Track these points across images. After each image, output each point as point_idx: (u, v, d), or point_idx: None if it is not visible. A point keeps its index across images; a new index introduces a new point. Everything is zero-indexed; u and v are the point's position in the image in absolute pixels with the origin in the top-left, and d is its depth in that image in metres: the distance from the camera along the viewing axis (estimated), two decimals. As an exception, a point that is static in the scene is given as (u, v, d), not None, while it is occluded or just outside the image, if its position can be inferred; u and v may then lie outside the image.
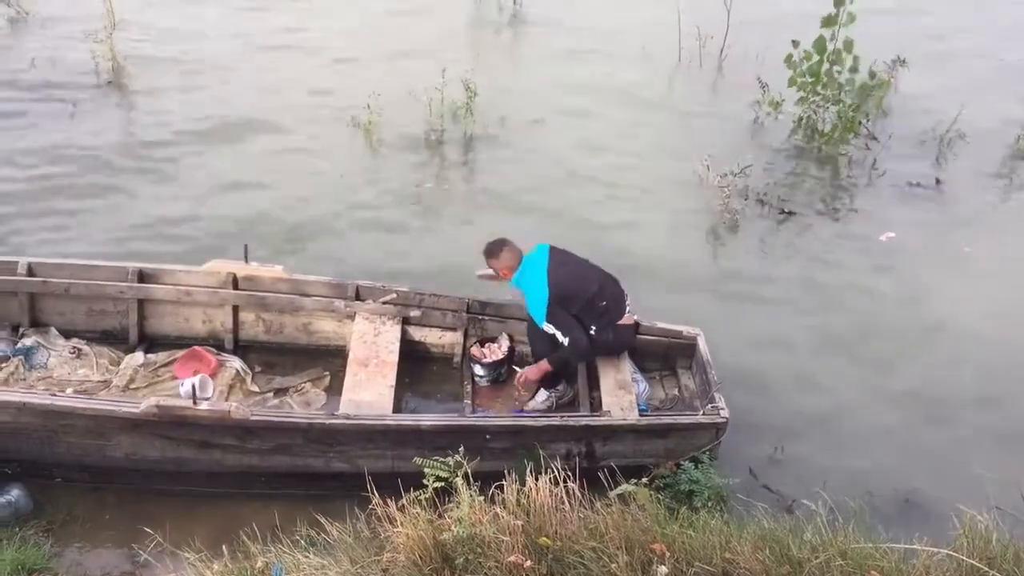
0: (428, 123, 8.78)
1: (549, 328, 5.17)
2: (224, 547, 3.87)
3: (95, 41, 9.34)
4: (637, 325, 5.49)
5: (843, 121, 8.89)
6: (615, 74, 10.26)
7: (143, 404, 4.52)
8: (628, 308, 5.36)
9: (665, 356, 5.75)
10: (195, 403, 4.56)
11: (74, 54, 9.55)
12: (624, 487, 4.09)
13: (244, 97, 9.12)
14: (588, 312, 5.21)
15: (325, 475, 4.88)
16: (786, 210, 8.05)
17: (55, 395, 4.73)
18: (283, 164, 8.10)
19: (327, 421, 4.73)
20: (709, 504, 4.56)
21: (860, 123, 9.09)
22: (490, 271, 5.40)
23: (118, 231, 7.00)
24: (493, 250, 5.26)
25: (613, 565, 3.57)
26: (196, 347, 5.56)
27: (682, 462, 4.91)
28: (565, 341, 5.14)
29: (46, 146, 8.03)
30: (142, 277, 5.55)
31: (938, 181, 8.58)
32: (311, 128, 8.71)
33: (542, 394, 5.49)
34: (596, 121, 9.26)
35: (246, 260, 5.63)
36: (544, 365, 5.27)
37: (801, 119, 9.28)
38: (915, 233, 7.81)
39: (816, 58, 8.89)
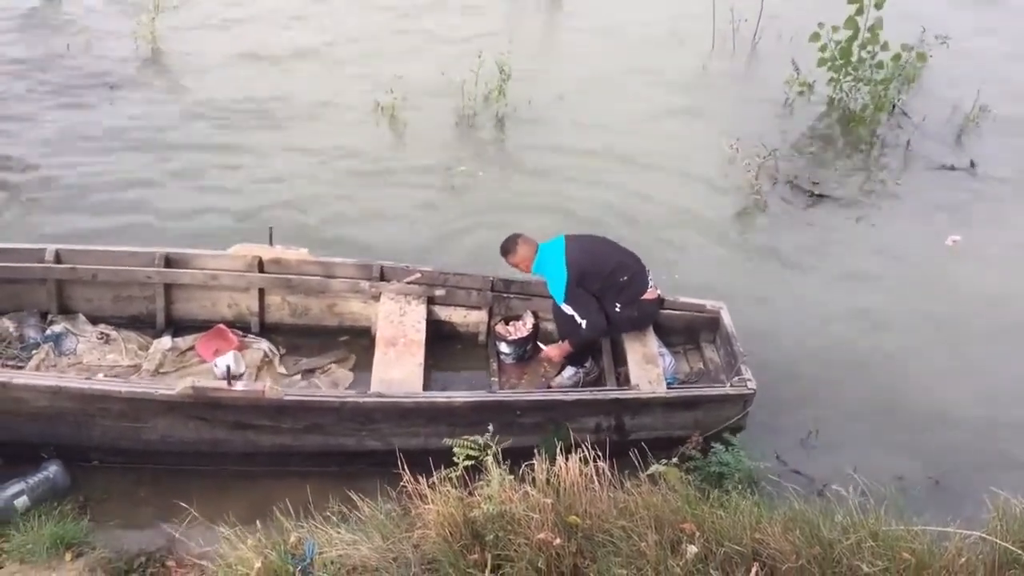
0: (461, 106, 8.74)
1: (568, 309, 5.23)
2: (258, 523, 3.93)
3: (139, 24, 9.41)
4: (661, 300, 5.50)
5: (875, 100, 8.77)
6: (649, 57, 10.18)
7: (178, 386, 4.57)
8: (651, 282, 5.37)
9: (689, 330, 5.76)
10: (230, 383, 4.59)
11: (109, 38, 9.61)
12: (655, 467, 4.09)
13: (272, 84, 9.13)
14: (609, 288, 5.25)
15: (358, 453, 4.93)
16: (816, 192, 7.98)
17: (90, 379, 4.79)
18: (314, 148, 8.11)
19: (360, 400, 4.78)
20: (740, 487, 4.54)
21: (893, 104, 8.95)
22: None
23: (145, 217, 7.04)
24: (508, 247, 5.33)
25: (642, 544, 3.60)
26: (219, 325, 5.60)
27: (712, 445, 4.92)
28: (583, 324, 5.20)
29: (81, 133, 8.08)
30: (168, 262, 5.58)
31: (972, 163, 8.45)
32: (346, 111, 8.71)
33: (569, 371, 5.52)
34: (628, 103, 9.20)
35: (271, 243, 5.65)
36: (566, 346, 5.36)
37: (833, 100, 9.17)
38: (952, 218, 7.71)
39: (846, 36, 8.77)
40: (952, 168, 8.41)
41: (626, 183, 7.90)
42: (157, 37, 9.48)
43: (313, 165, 7.88)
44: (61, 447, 4.79)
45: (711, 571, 3.52)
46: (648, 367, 5.25)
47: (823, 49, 8.90)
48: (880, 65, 8.88)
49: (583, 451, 3.96)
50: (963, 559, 3.55)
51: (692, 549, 3.57)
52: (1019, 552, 3.50)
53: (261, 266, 5.62)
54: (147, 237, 6.51)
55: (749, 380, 5.09)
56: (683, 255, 6.98)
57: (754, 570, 3.55)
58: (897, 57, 8.89)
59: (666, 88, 9.55)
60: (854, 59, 8.89)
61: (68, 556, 4.25)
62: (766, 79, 9.64)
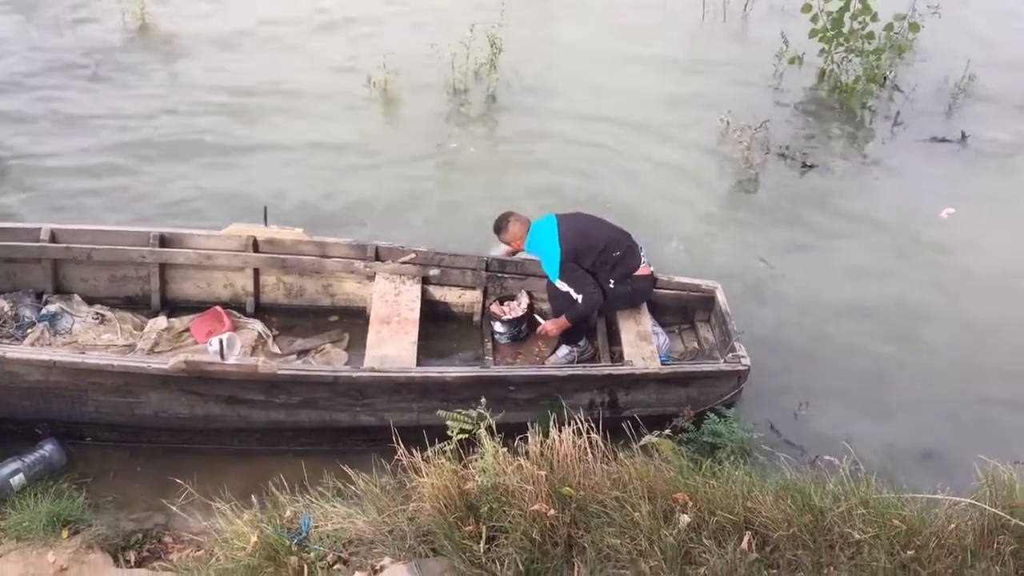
0: (452, 81, 8.72)
1: (563, 286, 5.25)
2: (253, 499, 3.95)
3: (128, 1, 9.33)
4: (655, 277, 5.52)
5: (867, 72, 8.77)
6: (639, 29, 10.12)
7: (172, 360, 4.60)
8: (644, 259, 5.39)
9: (683, 310, 5.79)
10: (223, 359, 4.60)
11: (97, 15, 9.55)
12: (648, 438, 4.12)
13: (264, 59, 9.08)
14: (602, 264, 5.28)
15: (352, 429, 4.96)
16: (808, 163, 8.00)
17: (84, 352, 4.81)
18: (303, 126, 8.09)
19: (353, 374, 4.80)
20: (732, 458, 4.58)
21: (885, 75, 8.95)
22: (503, 247, 5.56)
23: (136, 197, 7.01)
24: (501, 224, 5.37)
25: (636, 514, 3.62)
26: (215, 307, 5.61)
27: (707, 414, 4.94)
28: (579, 298, 5.22)
29: (70, 112, 8.03)
30: (163, 242, 5.58)
31: (964, 135, 8.47)
32: (335, 89, 8.67)
33: (563, 349, 5.54)
34: (618, 77, 9.17)
35: (266, 223, 5.65)
36: (563, 321, 5.36)
37: (824, 72, 9.18)
38: (945, 190, 7.73)
39: (838, 7, 8.76)
40: (943, 140, 8.43)
41: (617, 158, 7.91)
42: (145, 14, 9.43)
43: (306, 142, 7.84)
44: (55, 423, 4.81)
45: (704, 540, 3.55)
46: (642, 344, 5.29)
47: (815, 20, 8.90)
48: (871, 36, 8.87)
49: (576, 424, 3.98)
50: (953, 525, 3.59)
51: (685, 518, 3.60)
52: (1007, 517, 3.53)
53: (256, 246, 5.62)
54: (140, 217, 6.52)
55: (743, 357, 5.13)
56: (676, 229, 6.99)
57: (746, 538, 3.58)
58: (889, 27, 8.89)
59: (656, 61, 9.52)
60: (845, 30, 8.88)
61: (65, 533, 4.25)
62: (757, 51, 9.61)
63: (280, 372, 4.69)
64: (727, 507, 3.69)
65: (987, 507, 3.59)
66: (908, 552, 3.49)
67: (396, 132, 8.22)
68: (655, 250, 5.57)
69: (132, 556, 4.29)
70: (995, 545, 3.54)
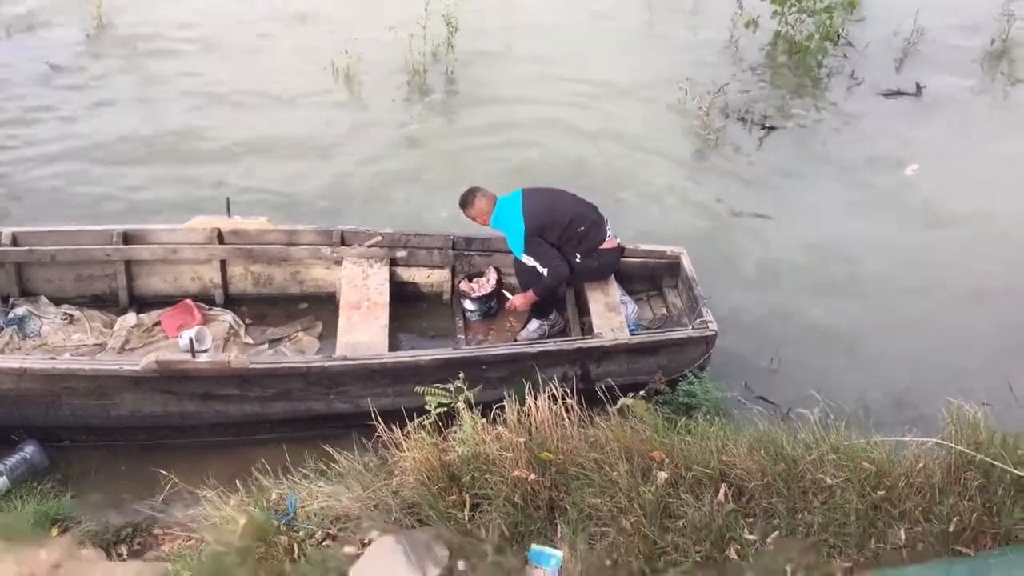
0: (411, 62, 8.67)
1: (528, 260, 5.28)
2: (238, 484, 3.97)
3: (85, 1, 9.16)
4: (622, 249, 5.57)
5: (819, 29, 8.88)
6: (595, 2, 10.14)
7: (143, 361, 4.57)
8: (610, 232, 5.44)
9: (651, 277, 5.85)
10: (194, 356, 4.60)
11: (52, 16, 9.36)
12: (623, 401, 4.19)
13: (224, 51, 8.98)
14: (568, 239, 5.31)
15: (328, 416, 4.97)
16: (767, 125, 8.10)
17: (55, 358, 4.76)
18: (266, 112, 8.03)
19: (326, 364, 4.80)
20: (708, 416, 4.66)
21: (838, 33, 9.07)
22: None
23: (97, 195, 6.93)
24: (467, 200, 5.37)
25: (614, 473, 3.71)
26: (185, 300, 5.58)
27: (686, 373, 5.02)
28: (544, 272, 5.26)
29: (24, 113, 7.90)
30: (127, 239, 5.54)
31: (919, 87, 8.61)
32: (293, 74, 8.60)
33: (534, 323, 5.58)
34: (574, 49, 9.18)
35: (228, 214, 5.63)
36: (530, 295, 5.40)
37: (779, 33, 9.28)
38: (906, 145, 7.85)
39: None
40: (899, 93, 8.56)
41: (577, 129, 7.95)
42: (102, 14, 9.27)
43: (268, 130, 7.78)
44: (30, 428, 4.78)
45: (681, 494, 3.65)
46: (611, 315, 5.33)
47: None
48: None
49: (552, 391, 4.05)
50: (921, 464, 3.73)
51: (662, 475, 3.70)
52: (973, 453, 3.66)
53: (221, 238, 5.59)
54: (103, 215, 6.44)
55: (710, 322, 5.18)
56: (639, 199, 7.07)
57: (722, 490, 3.69)
58: None
59: (613, 31, 9.53)
60: None
61: (54, 532, 4.25)
62: (713, 17, 9.66)
63: (252, 366, 4.69)
64: (703, 461, 3.79)
65: (953, 445, 3.73)
66: (879, 493, 3.63)
67: (357, 116, 8.19)
68: (617, 219, 5.62)
69: (124, 550, 4.30)
70: (962, 480, 3.69)
